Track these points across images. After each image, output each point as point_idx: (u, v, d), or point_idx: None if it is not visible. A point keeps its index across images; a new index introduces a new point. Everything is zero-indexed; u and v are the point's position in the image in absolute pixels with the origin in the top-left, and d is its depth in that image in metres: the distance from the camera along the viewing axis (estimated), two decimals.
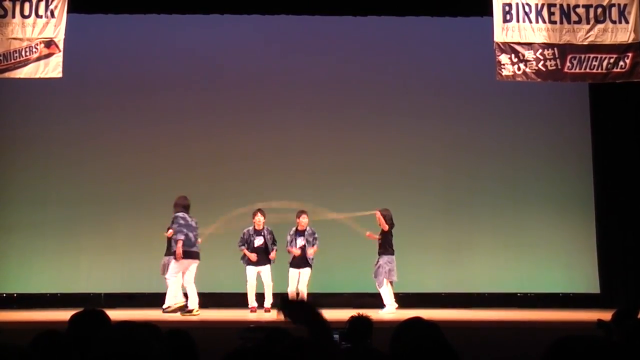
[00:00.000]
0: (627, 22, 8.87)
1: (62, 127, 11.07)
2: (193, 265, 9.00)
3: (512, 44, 8.81)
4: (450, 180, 11.19)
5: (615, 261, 10.91)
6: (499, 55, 8.81)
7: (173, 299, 8.95)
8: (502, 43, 8.83)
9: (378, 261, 9.40)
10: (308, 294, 9.37)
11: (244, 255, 9.61)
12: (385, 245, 9.42)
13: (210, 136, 11.17)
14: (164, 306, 9.13)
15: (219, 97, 11.26)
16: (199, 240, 9.14)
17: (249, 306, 9.46)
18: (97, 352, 2.12)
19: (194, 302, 8.95)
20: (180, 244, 8.81)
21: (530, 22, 8.84)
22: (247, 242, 9.64)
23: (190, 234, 8.95)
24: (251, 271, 9.59)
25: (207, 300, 10.14)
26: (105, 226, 10.26)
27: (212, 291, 10.13)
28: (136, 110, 11.20)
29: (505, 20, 8.85)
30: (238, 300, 9.89)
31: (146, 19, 11.11)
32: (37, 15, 8.75)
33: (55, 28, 8.74)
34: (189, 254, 8.93)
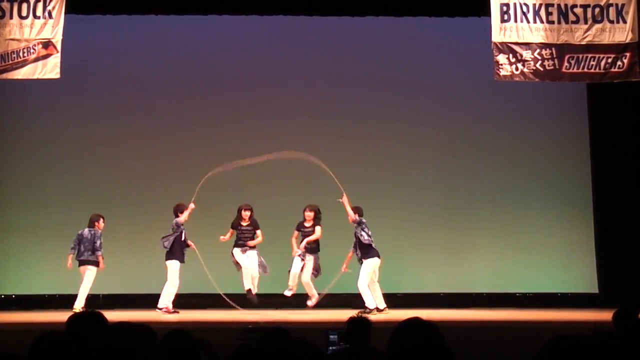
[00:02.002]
0: (624, 22, 8.88)
1: (61, 129, 11.05)
2: (87, 271, 9.51)
3: (509, 44, 8.82)
4: (448, 182, 11.17)
5: (614, 261, 10.91)
6: (496, 55, 8.82)
7: None
8: (499, 43, 8.84)
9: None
10: None
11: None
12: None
13: (209, 139, 11.15)
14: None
15: (218, 99, 11.24)
16: (99, 244, 9.60)
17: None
18: (94, 352, 2.12)
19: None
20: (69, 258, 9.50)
21: (528, 22, 8.84)
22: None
23: (81, 246, 9.56)
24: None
25: (206, 301, 10.13)
26: (104, 228, 10.23)
27: (211, 292, 10.12)
28: (135, 112, 11.18)
29: (503, 20, 8.86)
30: (237, 301, 9.89)
31: (144, 20, 11.10)
32: (35, 16, 8.74)
33: (53, 29, 8.73)
34: (81, 262, 9.56)
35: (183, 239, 9.49)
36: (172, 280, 9.33)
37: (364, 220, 9.27)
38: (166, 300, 9.29)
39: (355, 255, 9.33)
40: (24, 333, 3.13)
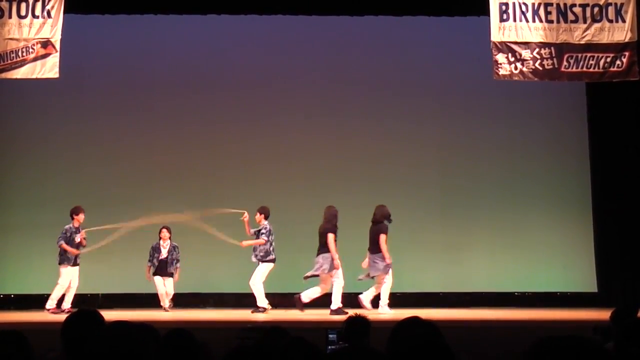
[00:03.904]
0: (623, 21, 8.87)
1: (60, 128, 11.06)
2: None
3: (509, 43, 8.81)
4: (447, 181, 11.18)
5: (613, 260, 10.91)
6: (495, 55, 8.81)
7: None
8: (499, 42, 8.83)
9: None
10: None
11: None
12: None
13: (208, 138, 11.14)
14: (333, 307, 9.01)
15: (216, 99, 11.24)
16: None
17: None
18: (91, 350, 2.11)
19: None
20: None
21: (527, 21, 8.84)
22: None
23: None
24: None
25: (206, 300, 10.13)
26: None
27: (210, 292, 10.14)
28: (134, 111, 11.18)
29: (502, 20, 8.85)
30: (237, 300, 9.91)
31: (143, 20, 11.09)
32: (34, 16, 8.73)
33: (52, 28, 8.72)
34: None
35: (77, 241, 9.61)
36: (62, 283, 9.47)
37: (268, 227, 9.42)
38: (54, 301, 9.41)
39: (254, 256, 9.42)
40: (23, 333, 3.12)
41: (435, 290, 10.84)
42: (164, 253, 9.93)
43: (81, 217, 9.64)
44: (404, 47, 11.40)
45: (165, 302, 9.71)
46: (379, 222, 9.22)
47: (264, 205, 9.60)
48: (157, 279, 9.84)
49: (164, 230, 9.96)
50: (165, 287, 9.77)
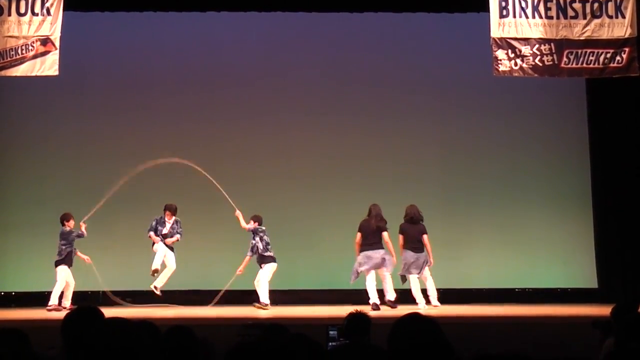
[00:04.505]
0: (623, 16, 8.87)
1: (60, 126, 11.04)
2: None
3: (508, 40, 8.81)
4: (448, 178, 11.18)
5: (613, 256, 10.92)
6: (495, 51, 8.81)
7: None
8: (498, 38, 8.83)
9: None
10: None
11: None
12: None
13: (207, 135, 11.14)
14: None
15: (216, 96, 11.23)
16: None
17: None
18: (89, 348, 2.12)
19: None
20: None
21: (527, 17, 8.84)
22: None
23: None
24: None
25: (205, 297, 10.13)
26: (104, 224, 10.23)
27: (211, 289, 10.14)
28: (133, 109, 11.16)
29: (501, 16, 8.85)
30: (236, 297, 9.90)
31: (142, 17, 11.08)
32: (33, 13, 8.73)
33: (52, 26, 8.72)
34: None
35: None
36: (60, 282, 9.54)
37: (262, 229, 9.65)
38: (54, 299, 9.43)
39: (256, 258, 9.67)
40: (24, 330, 3.12)
41: (436, 286, 10.83)
42: (167, 228, 9.95)
43: (71, 223, 9.68)
44: (404, 44, 11.39)
45: (158, 283, 9.75)
46: (421, 221, 9.61)
47: (258, 214, 9.75)
48: (161, 247, 9.86)
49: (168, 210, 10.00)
50: (165, 260, 9.82)
